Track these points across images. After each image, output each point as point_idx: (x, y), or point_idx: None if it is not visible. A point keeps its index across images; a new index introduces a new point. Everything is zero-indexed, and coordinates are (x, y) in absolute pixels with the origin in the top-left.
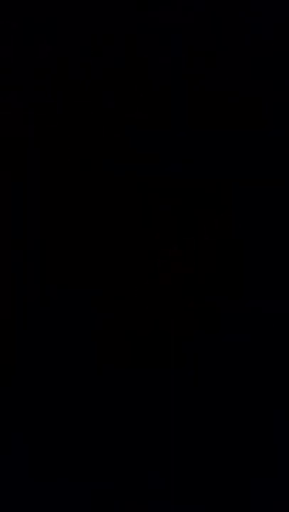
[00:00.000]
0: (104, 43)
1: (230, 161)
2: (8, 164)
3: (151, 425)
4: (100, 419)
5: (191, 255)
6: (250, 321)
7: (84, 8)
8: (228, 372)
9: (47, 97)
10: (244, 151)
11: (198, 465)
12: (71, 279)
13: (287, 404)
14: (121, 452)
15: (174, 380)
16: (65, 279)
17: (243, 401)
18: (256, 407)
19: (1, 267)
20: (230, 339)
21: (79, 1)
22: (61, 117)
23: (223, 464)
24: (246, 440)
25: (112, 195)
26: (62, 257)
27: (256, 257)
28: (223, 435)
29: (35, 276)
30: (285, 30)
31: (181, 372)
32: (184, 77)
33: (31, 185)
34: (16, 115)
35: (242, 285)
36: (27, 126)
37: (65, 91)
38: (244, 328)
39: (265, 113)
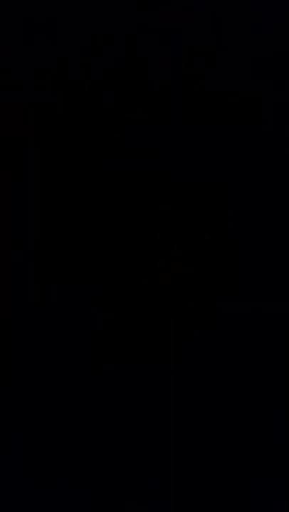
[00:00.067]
0: (104, 43)
1: (230, 161)
2: (8, 164)
3: (152, 425)
4: (100, 419)
5: (191, 255)
6: (250, 321)
7: (84, 8)
8: (228, 372)
9: (47, 97)
10: (244, 151)
11: (198, 465)
12: (71, 279)
13: (287, 404)
14: (121, 452)
15: (174, 380)
16: (65, 279)
17: (243, 401)
18: (256, 407)
19: (1, 267)
20: (230, 339)
21: (79, 1)
22: (61, 117)
23: (223, 463)
24: (246, 440)
25: (112, 195)
26: (62, 257)
27: (256, 257)
28: (223, 435)
29: (35, 276)
30: (285, 30)
31: (181, 372)
32: (184, 77)
33: (31, 185)
34: (16, 115)
35: (242, 285)
36: (27, 126)
37: (65, 91)
38: (244, 328)
39: (265, 113)
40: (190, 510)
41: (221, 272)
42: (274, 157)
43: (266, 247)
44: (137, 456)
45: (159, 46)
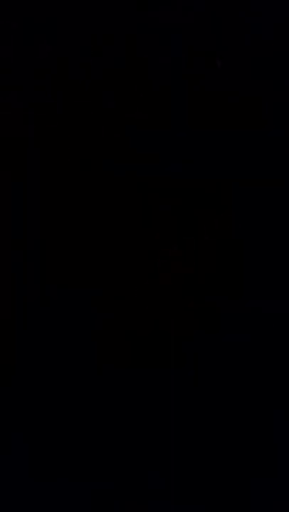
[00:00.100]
0: (105, 43)
1: (230, 161)
2: (8, 164)
3: (151, 425)
4: (100, 419)
5: (191, 255)
6: (250, 321)
7: (84, 8)
8: (228, 372)
9: (47, 97)
10: (244, 151)
11: (198, 465)
12: (71, 279)
13: (288, 404)
14: (121, 452)
15: (174, 380)
16: (65, 279)
17: (243, 401)
18: (256, 407)
19: (1, 267)
20: (230, 339)
21: (79, 1)
22: (61, 117)
23: (223, 463)
24: (246, 440)
25: (112, 195)
26: (62, 257)
27: (256, 257)
28: (223, 435)
29: (35, 276)
30: (285, 30)
31: (181, 372)
32: (184, 77)
33: (31, 185)
34: (16, 115)
35: (242, 285)
36: (27, 126)
37: (65, 91)
38: (244, 328)
39: (265, 113)
40: (190, 510)
41: (221, 271)
42: (274, 157)
43: (266, 247)
44: (137, 456)
45: (159, 46)
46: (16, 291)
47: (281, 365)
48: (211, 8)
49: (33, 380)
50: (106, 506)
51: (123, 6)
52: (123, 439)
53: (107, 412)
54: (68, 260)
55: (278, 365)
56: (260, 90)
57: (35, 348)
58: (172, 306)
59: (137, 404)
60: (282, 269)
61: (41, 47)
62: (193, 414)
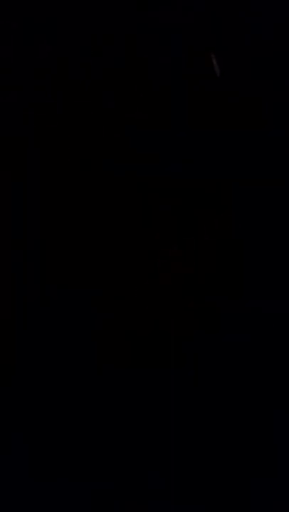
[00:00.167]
0: (104, 43)
1: (230, 161)
2: (8, 164)
3: (151, 425)
4: (100, 419)
5: (191, 255)
6: (250, 321)
7: (84, 8)
8: (228, 372)
9: (47, 97)
10: (244, 151)
11: (198, 465)
12: (71, 279)
13: (288, 404)
14: (121, 452)
15: (174, 380)
16: (65, 279)
17: (243, 401)
18: (256, 407)
19: (1, 267)
20: (230, 339)
21: (79, 1)
22: (61, 117)
23: (223, 463)
24: (246, 440)
25: (112, 195)
26: (62, 257)
27: (256, 257)
28: (223, 435)
29: (35, 276)
30: (285, 30)
31: (181, 372)
32: (184, 77)
33: (31, 185)
34: (16, 115)
35: (242, 285)
36: (27, 126)
37: (65, 91)
38: (244, 328)
39: (265, 113)
40: (190, 510)
41: (221, 272)
42: (274, 157)
43: (266, 247)
44: (137, 456)
45: (159, 46)
46: (16, 291)
47: (281, 365)
48: (211, 8)
49: (33, 380)
50: (106, 506)
51: (123, 6)
52: (123, 439)
53: (107, 412)
54: (68, 260)
55: (278, 365)
56: (260, 90)
57: (35, 348)
58: (172, 306)
59: (137, 404)
60: (282, 269)
61: (41, 47)
62: (193, 414)
